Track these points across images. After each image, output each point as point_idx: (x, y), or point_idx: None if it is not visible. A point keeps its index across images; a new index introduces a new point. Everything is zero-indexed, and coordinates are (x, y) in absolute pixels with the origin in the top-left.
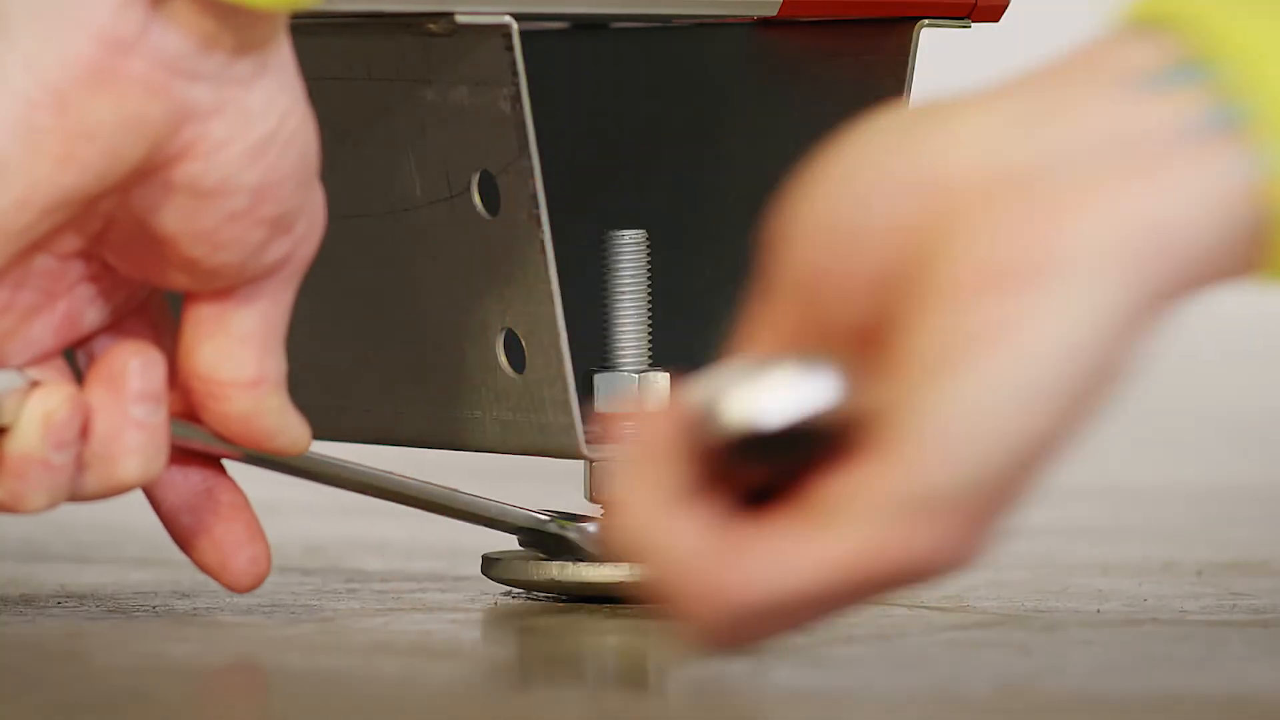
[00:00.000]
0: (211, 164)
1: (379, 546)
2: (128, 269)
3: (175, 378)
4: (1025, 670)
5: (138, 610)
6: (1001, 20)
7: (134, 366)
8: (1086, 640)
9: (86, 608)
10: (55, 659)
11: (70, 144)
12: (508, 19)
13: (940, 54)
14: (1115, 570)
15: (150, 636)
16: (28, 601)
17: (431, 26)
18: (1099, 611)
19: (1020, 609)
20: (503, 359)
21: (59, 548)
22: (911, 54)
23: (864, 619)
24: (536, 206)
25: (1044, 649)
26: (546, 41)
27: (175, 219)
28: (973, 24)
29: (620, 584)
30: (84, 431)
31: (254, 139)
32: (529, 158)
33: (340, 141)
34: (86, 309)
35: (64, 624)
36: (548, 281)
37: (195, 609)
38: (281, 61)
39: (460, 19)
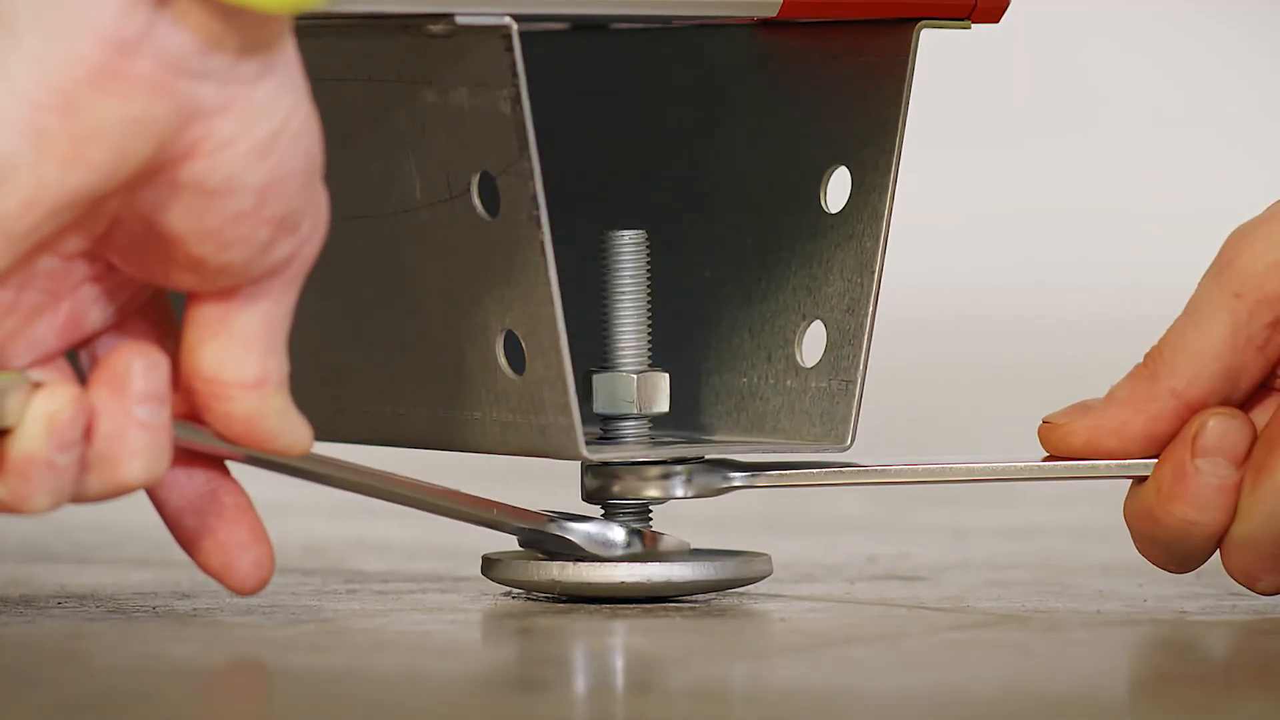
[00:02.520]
0: (217, 162)
1: (379, 546)
2: (132, 269)
3: (178, 379)
4: (1025, 670)
5: (138, 610)
6: (1001, 20)
7: (137, 367)
8: (1086, 640)
9: (86, 608)
10: (55, 659)
11: (77, 145)
12: (508, 20)
13: (940, 54)
14: (1115, 570)
15: (150, 636)
16: (28, 601)
17: (431, 28)
18: (1099, 611)
19: (1020, 609)
20: (502, 360)
21: (59, 548)
22: (911, 54)
23: (864, 619)
24: (536, 208)
25: (1044, 649)
26: (546, 42)
27: (182, 218)
28: (973, 24)
29: (620, 584)
30: (87, 432)
31: (260, 137)
32: (529, 159)
33: (341, 143)
34: (90, 309)
35: (64, 624)
36: (548, 282)
37: (195, 609)
38: (286, 60)
39: (460, 20)
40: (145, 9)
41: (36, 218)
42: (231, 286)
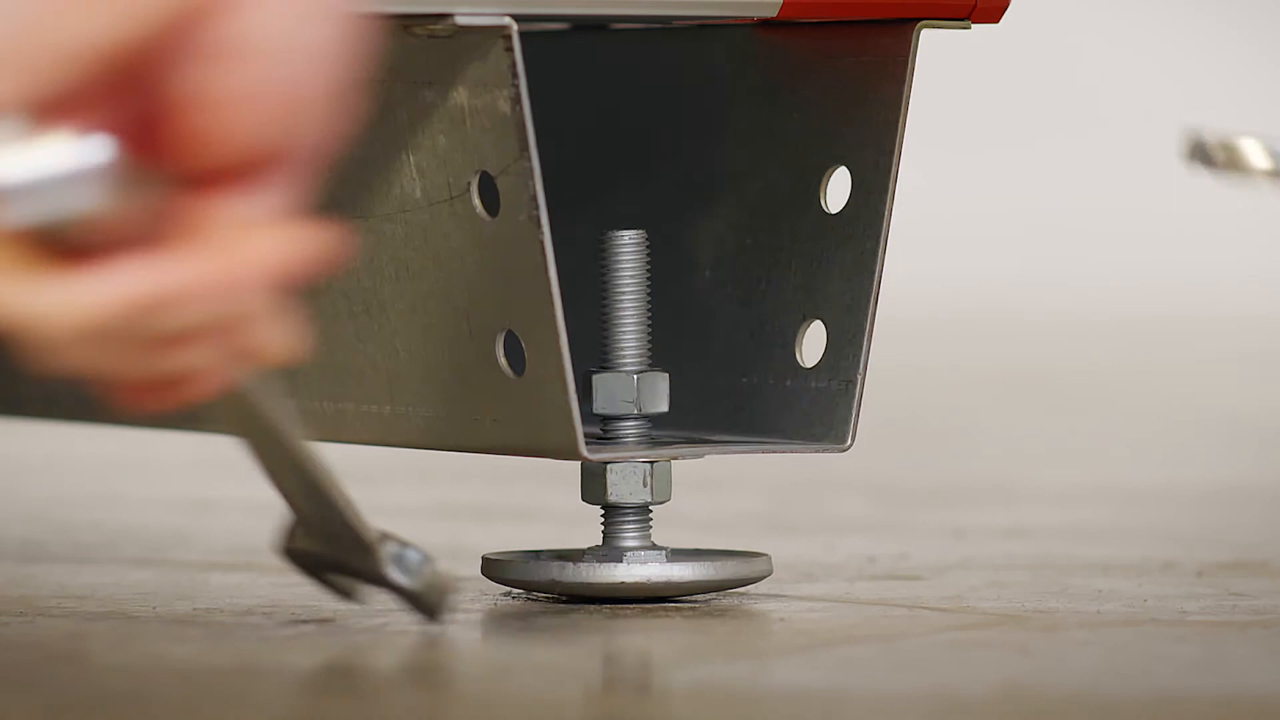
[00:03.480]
0: (244, 23)
1: None
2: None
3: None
4: (1025, 670)
5: (138, 610)
6: (1001, 20)
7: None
8: (1086, 640)
9: (86, 608)
10: (55, 659)
11: None
12: (508, 20)
13: (940, 54)
14: (1115, 570)
15: (150, 636)
16: (28, 601)
17: (432, 28)
18: (1099, 611)
19: (1020, 609)
20: (502, 360)
21: (59, 548)
22: (911, 54)
23: (864, 619)
24: (536, 208)
25: (1044, 649)
26: (546, 42)
27: (202, 82)
28: (973, 24)
29: (620, 584)
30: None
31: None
32: (529, 159)
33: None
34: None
35: (64, 624)
36: (548, 282)
37: (195, 609)
38: None
39: (460, 20)
40: None
41: (59, 65)
42: (233, 173)
